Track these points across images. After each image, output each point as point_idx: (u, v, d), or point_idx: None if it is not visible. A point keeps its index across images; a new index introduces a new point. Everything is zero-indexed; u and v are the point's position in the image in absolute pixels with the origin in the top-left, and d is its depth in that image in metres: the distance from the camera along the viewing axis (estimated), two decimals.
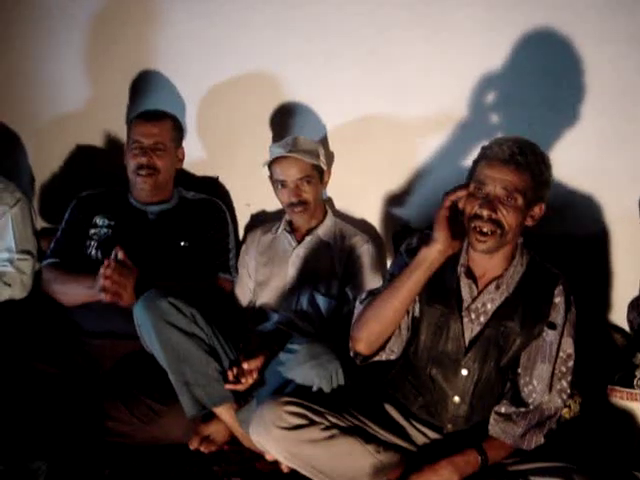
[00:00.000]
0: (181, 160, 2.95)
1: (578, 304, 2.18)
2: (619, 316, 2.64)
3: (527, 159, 2.03)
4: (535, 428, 2.11)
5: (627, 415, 2.20)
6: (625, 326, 2.57)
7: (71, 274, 2.77)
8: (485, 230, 2.03)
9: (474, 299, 2.15)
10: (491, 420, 2.13)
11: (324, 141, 2.96)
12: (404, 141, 2.91)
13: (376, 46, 2.87)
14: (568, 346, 2.15)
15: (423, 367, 2.21)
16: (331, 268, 2.77)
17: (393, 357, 2.21)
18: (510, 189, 2.01)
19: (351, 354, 2.19)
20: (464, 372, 2.16)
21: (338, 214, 2.96)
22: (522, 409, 2.12)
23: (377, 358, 2.19)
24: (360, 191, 3.01)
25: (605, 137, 2.64)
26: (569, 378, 2.14)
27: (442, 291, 2.17)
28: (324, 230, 2.83)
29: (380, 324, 2.12)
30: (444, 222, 2.04)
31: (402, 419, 2.24)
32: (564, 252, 2.57)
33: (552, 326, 2.13)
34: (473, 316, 2.16)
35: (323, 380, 2.25)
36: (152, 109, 2.97)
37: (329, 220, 2.85)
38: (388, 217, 2.98)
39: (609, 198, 2.67)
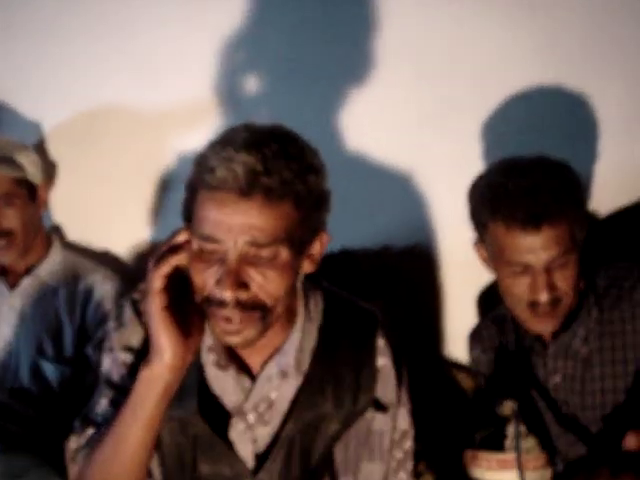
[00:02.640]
0: None
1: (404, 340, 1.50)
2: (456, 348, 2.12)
3: (281, 176, 1.16)
4: None
5: None
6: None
7: None
8: (236, 319, 1.21)
9: (248, 394, 1.35)
10: None
11: (40, 144, 2.32)
12: (157, 141, 2.30)
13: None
14: (402, 421, 1.44)
15: None
16: (61, 321, 2.17)
17: None
18: (261, 241, 1.18)
19: None
20: None
21: (70, 246, 2.32)
22: None
23: None
24: (100, 211, 2.35)
25: (425, 111, 2.11)
26: (409, 466, 1.44)
27: (179, 391, 1.30)
28: (48, 268, 2.22)
29: None
30: (164, 317, 1.20)
31: None
32: (379, 269, 2.10)
33: (381, 407, 1.40)
34: (252, 417, 1.37)
35: None
36: None
37: (55, 254, 2.24)
38: (142, 245, 2.34)
39: (431, 194, 2.13)
